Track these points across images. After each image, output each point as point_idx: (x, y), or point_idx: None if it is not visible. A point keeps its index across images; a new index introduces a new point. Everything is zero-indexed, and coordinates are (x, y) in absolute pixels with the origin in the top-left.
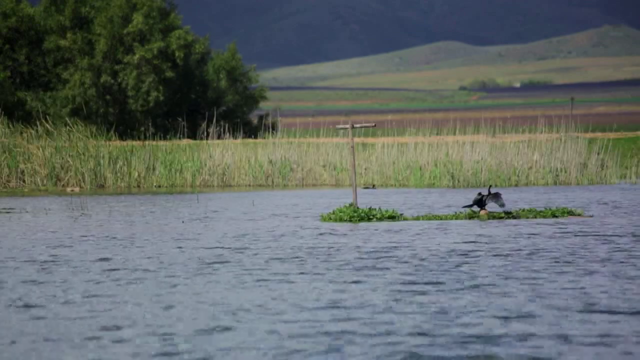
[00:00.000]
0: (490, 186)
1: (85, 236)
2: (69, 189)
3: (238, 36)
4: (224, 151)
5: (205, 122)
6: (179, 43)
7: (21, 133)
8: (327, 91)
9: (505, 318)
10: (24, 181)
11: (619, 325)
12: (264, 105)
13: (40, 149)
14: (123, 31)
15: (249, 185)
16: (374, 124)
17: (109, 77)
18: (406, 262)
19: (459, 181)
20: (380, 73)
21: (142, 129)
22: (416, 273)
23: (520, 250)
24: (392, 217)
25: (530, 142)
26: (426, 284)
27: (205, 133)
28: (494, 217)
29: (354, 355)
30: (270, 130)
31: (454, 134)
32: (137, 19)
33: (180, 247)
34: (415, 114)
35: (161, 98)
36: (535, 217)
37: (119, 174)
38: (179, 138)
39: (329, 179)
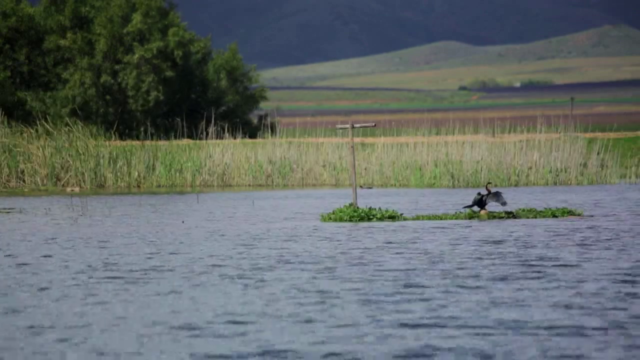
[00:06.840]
0: (489, 183)
1: (85, 236)
2: (69, 189)
3: (238, 36)
4: (223, 151)
5: (204, 122)
6: (176, 40)
7: (21, 133)
8: (327, 91)
9: (505, 319)
10: (24, 181)
11: (617, 328)
12: (264, 105)
13: (40, 149)
14: (123, 31)
15: (249, 185)
16: (373, 124)
17: (109, 77)
18: (405, 262)
19: (458, 181)
20: (380, 73)
21: (142, 129)
22: (415, 273)
23: (520, 250)
24: (392, 217)
25: (530, 142)
26: (425, 284)
27: (204, 133)
28: (494, 217)
29: (351, 355)
30: (270, 130)
31: (454, 134)
32: (137, 18)
33: (179, 248)
34: (415, 114)
35: (161, 98)
36: (535, 217)
37: (119, 174)
38: (179, 138)
39: (329, 179)
